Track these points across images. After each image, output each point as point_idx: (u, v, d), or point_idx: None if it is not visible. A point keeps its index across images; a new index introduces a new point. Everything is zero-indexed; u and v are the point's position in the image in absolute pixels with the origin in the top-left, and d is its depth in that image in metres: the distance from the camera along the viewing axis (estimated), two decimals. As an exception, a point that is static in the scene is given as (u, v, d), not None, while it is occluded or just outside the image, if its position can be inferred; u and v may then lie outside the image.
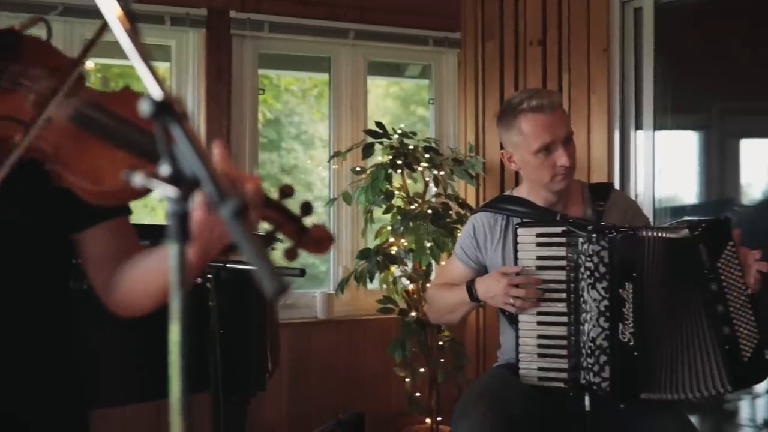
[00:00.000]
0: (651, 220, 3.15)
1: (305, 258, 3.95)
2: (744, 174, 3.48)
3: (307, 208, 0.94)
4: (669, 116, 3.28)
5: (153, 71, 0.71)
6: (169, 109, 0.66)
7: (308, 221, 0.95)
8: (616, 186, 3.15)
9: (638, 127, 3.23)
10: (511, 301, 1.87)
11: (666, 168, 3.25)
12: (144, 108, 0.66)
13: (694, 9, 3.20)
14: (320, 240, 0.96)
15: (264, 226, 0.93)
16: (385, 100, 4.16)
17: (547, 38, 3.43)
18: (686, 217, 3.42)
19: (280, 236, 0.94)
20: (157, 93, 0.68)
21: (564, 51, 3.37)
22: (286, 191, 0.93)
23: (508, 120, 2.00)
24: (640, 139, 3.23)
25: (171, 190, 0.66)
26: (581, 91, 3.29)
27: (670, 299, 1.81)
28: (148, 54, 0.73)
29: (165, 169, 0.67)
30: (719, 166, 3.58)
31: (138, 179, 0.68)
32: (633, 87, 3.24)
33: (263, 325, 2.47)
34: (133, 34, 0.74)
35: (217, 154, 0.87)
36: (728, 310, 1.76)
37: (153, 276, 1.07)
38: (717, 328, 1.77)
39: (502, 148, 2.10)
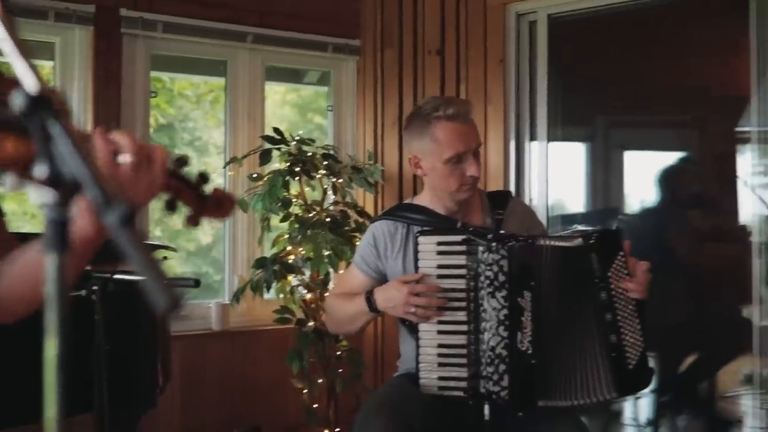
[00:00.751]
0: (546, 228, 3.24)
1: (199, 267, 3.82)
2: (627, 184, 3.64)
3: (204, 177, 0.93)
4: (560, 128, 3.38)
5: (31, 66, 0.64)
6: (45, 104, 0.59)
7: (207, 189, 0.94)
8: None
9: (533, 137, 3.31)
10: (412, 310, 1.85)
11: (557, 178, 3.34)
12: (16, 103, 0.58)
13: (583, 24, 3.31)
14: (221, 202, 0.94)
15: (164, 196, 0.91)
16: (283, 107, 4.10)
17: (445, 48, 3.46)
18: (576, 225, 3.53)
19: (181, 204, 0.92)
20: (32, 86, 0.61)
21: (462, 61, 3.42)
22: (183, 161, 0.91)
23: (421, 126, 1.98)
24: (535, 149, 3.31)
25: (48, 194, 0.59)
26: (478, 100, 3.34)
27: (565, 307, 1.85)
28: (26, 49, 0.66)
29: (41, 170, 0.60)
30: (605, 177, 3.72)
31: (10, 181, 0.60)
32: (528, 98, 3.31)
33: (153, 339, 2.35)
34: (9, 26, 0.66)
35: (121, 136, 0.83)
36: (616, 319, 1.81)
37: (26, 277, 0.99)
38: (605, 335, 1.81)
39: (402, 153, 2.08)
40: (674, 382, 3.45)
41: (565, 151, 3.51)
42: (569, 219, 3.55)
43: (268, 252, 3.30)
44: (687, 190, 3.49)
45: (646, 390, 1.91)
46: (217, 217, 0.95)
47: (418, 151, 2.01)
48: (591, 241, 1.83)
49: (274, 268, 3.10)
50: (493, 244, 1.83)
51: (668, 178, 3.47)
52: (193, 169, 0.95)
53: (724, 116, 3.34)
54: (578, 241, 1.83)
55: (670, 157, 3.61)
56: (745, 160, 3.09)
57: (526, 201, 3.29)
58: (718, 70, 3.40)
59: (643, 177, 3.59)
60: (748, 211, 3.06)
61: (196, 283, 1.96)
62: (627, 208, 3.64)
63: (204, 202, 0.93)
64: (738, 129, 3.17)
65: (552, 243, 1.86)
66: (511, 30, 3.32)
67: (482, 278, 1.84)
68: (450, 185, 1.97)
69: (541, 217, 3.21)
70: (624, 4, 3.12)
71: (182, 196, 0.91)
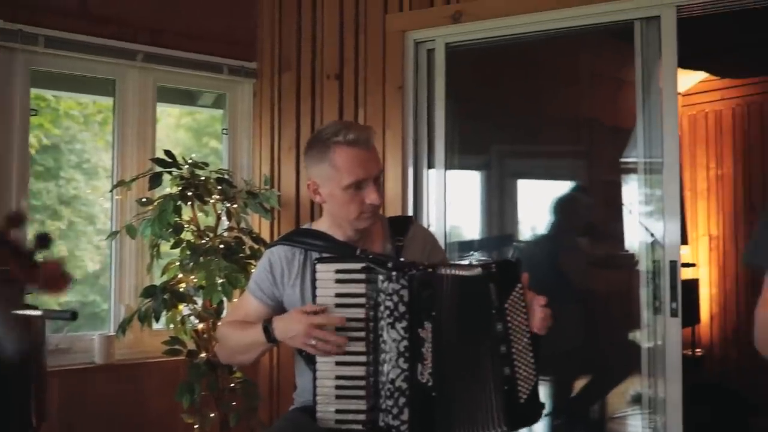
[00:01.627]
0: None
1: (85, 296, 3.60)
2: (521, 211, 3.71)
3: (42, 240, 0.78)
4: (456, 155, 3.40)
5: None
6: None
7: (42, 256, 0.78)
8: (410, 222, 3.21)
9: (431, 165, 3.32)
10: (313, 342, 1.78)
11: (454, 205, 3.36)
12: None
13: (479, 54, 3.36)
14: (51, 279, 0.80)
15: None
16: (177, 131, 3.95)
17: (344, 73, 3.44)
18: (473, 252, 3.56)
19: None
20: None
21: (360, 86, 3.40)
22: (15, 221, 0.76)
23: (321, 151, 1.92)
24: (433, 176, 3.31)
25: None
26: (377, 126, 3.32)
27: (463, 338, 1.82)
28: None
29: None
30: (500, 204, 3.78)
31: None
32: (426, 126, 3.32)
33: (26, 376, 2.16)
34: None
35: None
36: (510, 351, 1.80)
37: None
38: (499, 368, 1.80)
39: (299, 178, 2.02)
40: (568, 406, 3.52)
41: (462, 179, 3.54)
42: (466, 246, 3.58)
43: (158, 280, 3.14)
44: (578, 218, 3.60)
45: (536, 423, 1.89)
46: (48, 293, 0.82)
47: (317, 177, 1.95)
48: (490, 271, 1.81)
49: (163, 297, 2.95)
50: (394, 273, 1.79)
51: (560, 206, 3.57)
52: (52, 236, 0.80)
53: (611, 146, 3.47)
54: (478, 271, 1.82)
55: (561, 186, 3.72)
56: (631, 190, 3.20)
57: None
58: (607, 101, 3.53)
59: (535, 205, 3.67)
60: (634, 239, 3.16)
61: (73, 315, 1.81)
62: (521, 235, 3.71)
63: (32, 273, 0.78)
64: (624, 159, 3.29)
65: (452, 272, 1.83)
66: (409, 57, 3.33)
67: (382, 308, 1.79)
68: (349, 213, 1.92)
69: (440, 243, 3.22)
70: (519, 35, 3.18)
71: (8, 264, 0.77)
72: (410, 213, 3.29)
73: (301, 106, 3.54)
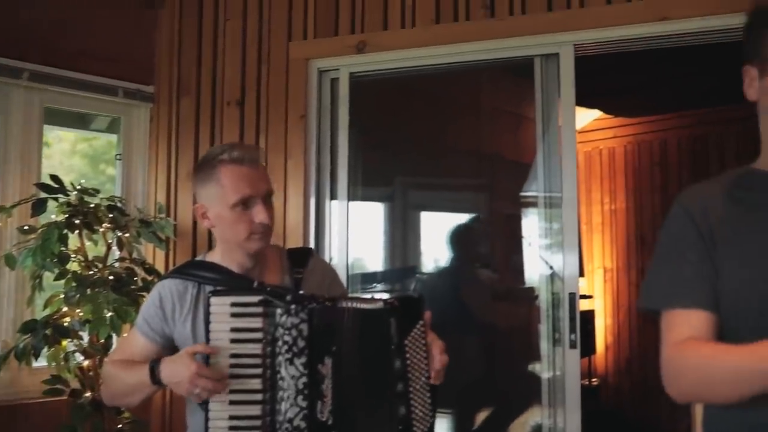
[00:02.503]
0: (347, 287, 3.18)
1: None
2: (424, 243, 3.70)
3: None
4: (360, 187, 3.37)
5: None
6: None
7: None
8: (312, 253, 3.14)
9: (333, 195, 3.26)
10: (197, 391, 1.66)
11: (357, 236, 3.31)
12: None
13: (383, 85, 3.35)
14: None
15: None
16: (72, 157, 3.74)
17: (245, 99, 3.35)
18: (376, 284, 3.51)
19: None
20: None
21: (262, 114, 3.32)
22: None
23: (206, 171, 1.84)
24: (335, 207, 3.25)
25: None
26: (278, 155, 3.25)
27: (363, 375, 1.74)
28: None
29: None
30: (403, 236, 3.76)
31: None
32: (329, 155, 3.27)
33: None
34: None
35: None
36: (407, 390, 1.73)
37: None
38: (395, 406, 1.73)
39: (195, 203, 1.91)
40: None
41: (366, 210, 3.50)
42: (369, 278, 3.53)
43: (40, 314, 2.92)
44: (474, 249, 3.62)
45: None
46: None
47: (204, 199, 1.86)
48: (392, 306, 1.75)
49: (45, 332, 2.74)
50: (292, 306, 1.71)
51: (456, 238, 3.58)
52: None
53: (512, 180, 3.52)
54: (379, 305, 1.76)
55: (463, 218, 3.73)
56: (531, 223, 3.25)
57: (326, 259, 3.21)
58: (508, 136, 3.59)
59: (438, 237, 3.67)
60: (534, 271, 3.20)
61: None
62: (424, 267, 3.70)
63: None
64: (524, 193, 3.34)
65: (353, 305, 1.76)
66: (313, 86, 3.28)
67: (280, 343, 1.70)
68: (239, 234, 1.83)
69: (341, 276, 3.15)
70: (422, 67, 3.19)
71: None
72: (312, 244, 3.21)
73: (200, 132, 3.42)
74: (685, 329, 1.33)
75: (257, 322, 1.72)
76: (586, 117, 5.51)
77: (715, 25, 2.74)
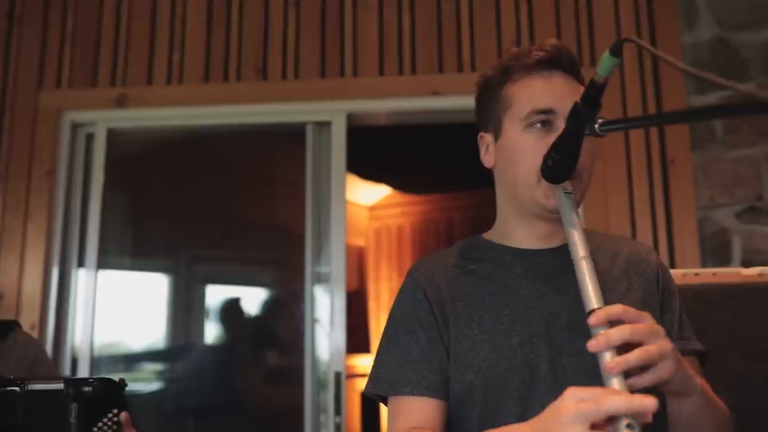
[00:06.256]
0: (89, 368, 2.80)
1: None
2: (207, 318, 3.39)
3: None
4: (128, 257, 3.04)
5: None
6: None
7: None
8: (51, 327, 2.75)
9: (81, 264, 2.90)
10: None
11: (124, 310, 2.96)
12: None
13: (148, 144, 3.08)
14: None
15: None
16: None
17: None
18: (143, 363, 3.16)
19: None
20: None
21: (1, 168, 2.91)
22: None
23: None
24: (82, 277, 2.89)
25: None
26: (17, 216, 2.85)
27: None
28: None
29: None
30: (186, 310, 3.43)
31: None
32: (78, 219, 2.92)
33: None
34: None
35: None
36: None
37: None
38: None
39: None
40: None
41: (141, 282, 3.15)
42: (133, 358, 3.17)
43: None
44: (239, 326, 3.36)
45: None
46: None
47: None
48: (75, 390, 1.47)
49: None
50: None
51: (233, 314, 3.32)
52: None
53: (299, 254, 3.32)
54: (58, 386, 1.48)
55: (248, 293, 3.47)
56: (318, 299, 3.06)
57: (68, 335, 2.82)
58: (291, 207, 3.41)
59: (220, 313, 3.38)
60: (307, 350, 2.99)
61: None
62: (204, 344, 3.37)
63: None
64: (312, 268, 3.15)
65: (34, 387, 1.47)
66: (64, 140, 2.94)
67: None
68: None
69: (85, 354, 2.78)
70: (190, 127, 2.98)
71: None
72: (52, 318, 2.80)
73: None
74: (410, 418, 1.20)
75: None
76: (377, 193, 5.52)
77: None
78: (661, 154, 2.67)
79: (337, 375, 2.72)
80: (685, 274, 1.85)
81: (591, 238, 1.34)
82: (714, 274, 1.84)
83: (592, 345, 0.94)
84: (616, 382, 0.91)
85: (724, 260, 2.58)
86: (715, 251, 2.59)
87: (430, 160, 4.60)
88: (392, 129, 3.16)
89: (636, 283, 1.26)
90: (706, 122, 2.66)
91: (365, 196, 5.52)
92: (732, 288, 1.77)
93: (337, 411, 2.69)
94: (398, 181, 5.23)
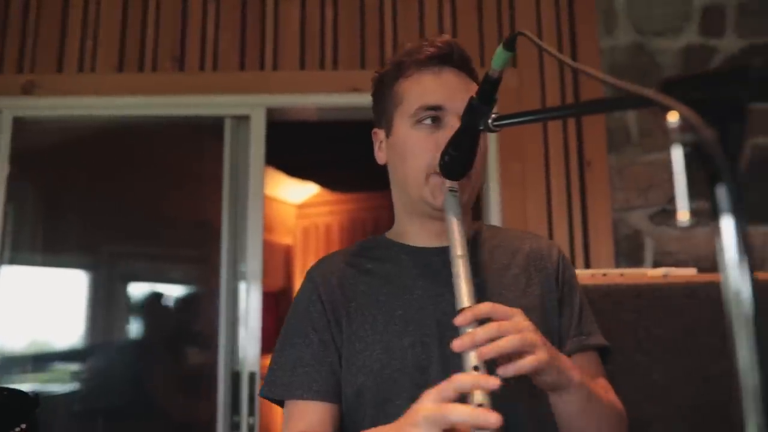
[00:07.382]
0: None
1: None
2: (132, 317, 3.27)
3: None
4: (40, 252, 2.90)
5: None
6: None
7: None
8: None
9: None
10: None
11: (35, 308, 2.83)
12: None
13: (60, 133, 2.95)
14: None
15: None
16: None
17: None
18: (56, 363, 3.03)
19: None
20: None
21: None
22: None
23: None
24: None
25: None
26: None
27: None
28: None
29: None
30: (100, 307, 3.29)
31: None
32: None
33: None
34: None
35: None
36: None
37: None
38: None
39: None
40: None
41: (54, 279, 3.01)
42: (47, 357, 3.03)
43: None
44: (157, 323, 3.26)
45: None
46: None
47: None
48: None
49: None
50: None
51: (153, 311, 3.21)
52: None
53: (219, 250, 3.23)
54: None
55: (167, 290, 3.36)
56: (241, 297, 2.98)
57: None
58: (212, 202, 3.32)
59: (147, 311, 3.27)
60: (222, 349, 2.91)
61: None
62: (118, 341, 3.25)
63: None
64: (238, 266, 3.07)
65: None
66: (-35, 128, 2.79)
67: None
68: None
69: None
70: (103, 118, 2.86)
71: None
72: (-52, 315, 2.66)
73: None
74: (301, 422, 1.17)
75: None
76: (305, 191, 5.46)
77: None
78: (578, 155, 2.70)
79: (251, 375, 2.65)
80: (594, 274, 1.86)
81: (494, 234, 1.32)
82: (621, 274, 1.86)
83: (456, 345, 0.90)
84: (471, 363, 0.87)
85: (637, 261, 2.62)
86: (629, 252, 2.63)
87: (355, 157, 4.54)
88: (316, 125, 3.11)
89: (535, 279, 1.24)
90: (623, 125, 2.70)
91: (293, 194, 5.44)
92: (638, 288, 1.79)
93: (251, 411, 2.63)
94: (324, 178, 5.17)
